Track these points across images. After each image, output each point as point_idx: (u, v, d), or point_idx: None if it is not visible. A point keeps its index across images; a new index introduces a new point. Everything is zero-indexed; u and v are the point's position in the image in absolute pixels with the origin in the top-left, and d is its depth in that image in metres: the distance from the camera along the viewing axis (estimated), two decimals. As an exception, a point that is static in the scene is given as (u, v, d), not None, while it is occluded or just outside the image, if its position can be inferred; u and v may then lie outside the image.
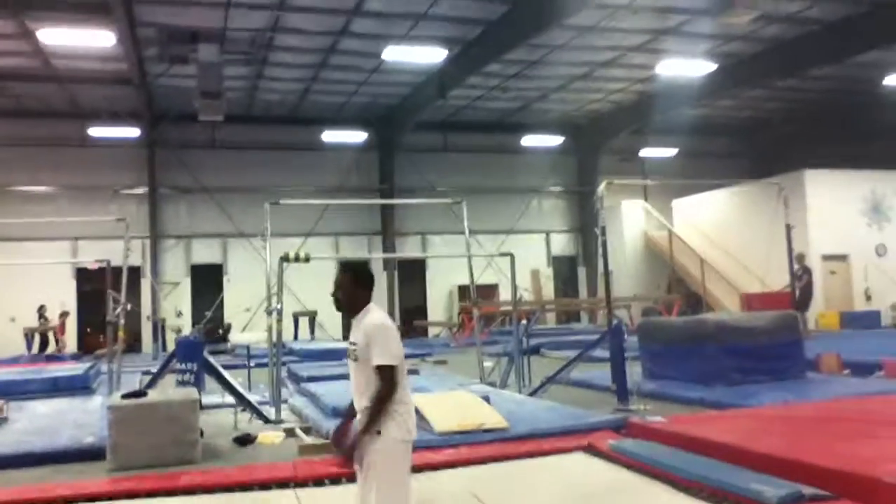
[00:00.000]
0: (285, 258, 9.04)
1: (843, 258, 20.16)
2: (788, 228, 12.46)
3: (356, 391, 3.73)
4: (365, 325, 3.72)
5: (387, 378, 3.59)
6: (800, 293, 15.98)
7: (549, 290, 26.27)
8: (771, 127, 26.19)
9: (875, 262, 20.56)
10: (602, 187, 11.14)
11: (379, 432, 3.55)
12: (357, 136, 23.54)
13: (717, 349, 9.11)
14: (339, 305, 3.86)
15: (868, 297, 20.38)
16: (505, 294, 21.56)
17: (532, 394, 9.35)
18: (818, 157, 21.77)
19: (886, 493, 4.05)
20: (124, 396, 6.72)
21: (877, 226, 20.97)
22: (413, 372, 11.78)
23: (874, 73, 19.69)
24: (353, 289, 3.85)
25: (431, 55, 17.45)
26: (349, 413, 3.83)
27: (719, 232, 23.33)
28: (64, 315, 20.22)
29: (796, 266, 16.25)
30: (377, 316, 3.76)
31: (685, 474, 4.99)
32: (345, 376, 9.26)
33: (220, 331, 19.20)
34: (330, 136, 23.31)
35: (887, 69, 19.39)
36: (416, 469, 5.67)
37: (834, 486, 4.32)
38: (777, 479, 4.55)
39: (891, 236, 20.92)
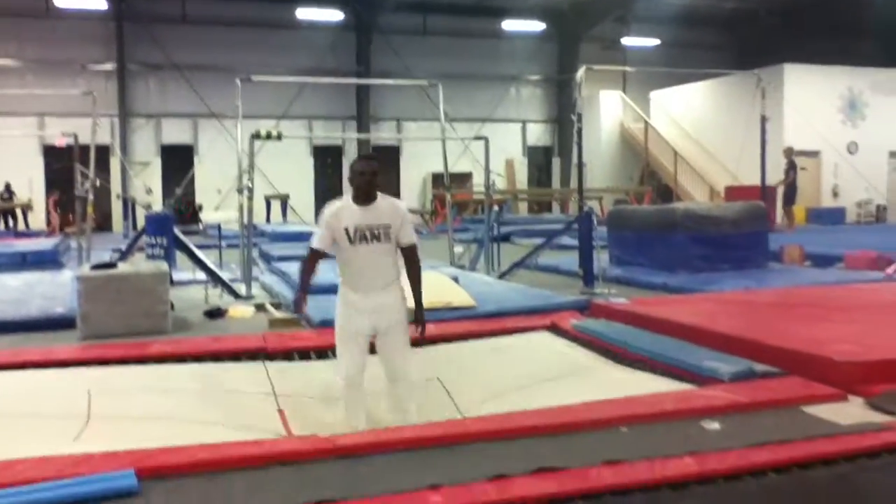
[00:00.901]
0: (257, 135, 8.91)
1: (814, 154, 20.28)
2: (763, 120, 12.48)
3: (374, 268, 4.19)
4: (394, 208, 4.21)
5: (417, 254, 4.32)
6: (786, 188, 16.14)
7: (522, 180, 26.29)
8: (756, 19, 25.74)
9: (846, 159, 20.73)
10: (581, 73, 11.00)
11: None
12: (334, 15, 22.85)
13: (684, 237, 9.27)
14: (369, 191, 4.16)
15: (835, 194, 20.67)
16: (479, 183, 21.54)
17: (500, 277, 9.50)
18: (801, 51, 21.53)
19: (834, 370, 4.22)
20: (94, 268, 6.73)
21: (851, 123, 21.04)
22: (384, 254, 11.85)
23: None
24: (376, 177, 4.21)
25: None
26: (306, 288, 4.48)
27: (696, 125, 23.29)
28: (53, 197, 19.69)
29: (784, 161, 16.36)
30: (397, 201, 4.32)
31: (643, 352, 5.16)
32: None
33: (192, 209, 19.10)
34: (305, 13, 22.58)
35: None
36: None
37: (786, 363, 4.49)
38: (731, 357, 4.71)
39: (863, 134, 21.02)
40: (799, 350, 4.56)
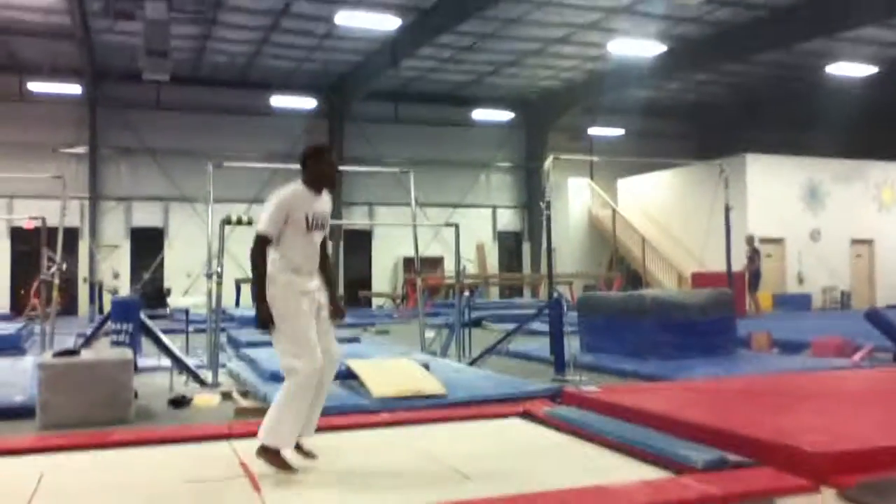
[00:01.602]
0: (227, 220, 8.91)
1: (779, 241, 20.73)
2: (727, 209, 12.76)
3: (316, 254, 4.52)
4: (329, 200, 4.64)
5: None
6: (751, 275, 16.46)
7: (493, 265, 26.47)
8: (716, 110, 26.67)
9: (809, 246, 21.20)
10: (549, 162, 11.23)
11: None
12: (307, 103, 23.26)
13: (653, 324, 9.31)
14: (332, 184, 4.60)
15: (801, 280, 21.05)
16: (450, 268, 21.63)
17: (471, 363, 9.44)
18: (761, 141, 22.32)
19: (806, 461, 4.20)
20: (56, 355, 6.59)
21: (812, 211, 21.63)
22: (354, 340, 11.77)
23: (818, 61, 20.18)
24: None
25: (385, 22, 17.30)
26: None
27: (662, 212, 23.77)
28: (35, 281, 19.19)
29: (747, 248, 16.72)
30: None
31: (616, 438, 5.12)
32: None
33: (160, 293, 18.88)
34: (279, 101, 22.97)
35: (830, 58, 19.88)
36: (354, 428, 5.76)
37: (758, 453, 4.46)
38: (704, 446, 4.68)
39: (825, 222, 21.61)
40: (770, 440, 4.54)
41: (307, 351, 4.30)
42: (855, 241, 22.13)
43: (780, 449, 4.40)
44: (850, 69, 20.14)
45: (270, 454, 4.35)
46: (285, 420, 4.31)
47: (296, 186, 4.45)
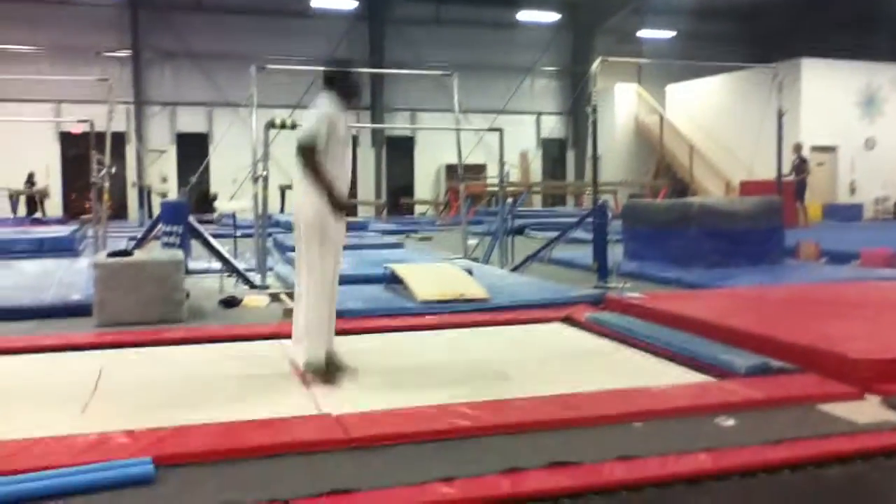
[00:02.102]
0: (271, 124, 8.91)
1: (831, 150, 20.13)
2: (780, 114, 12.35)
3: (347, 172, 4.55)
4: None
5: None
6: (798, 183, 16.07)
7: (537, 172, 26.24)
8: (771, 12, 25.54)
9: (863, 155, 20.56)
10: (596, 65, 10.93)
11: None
12: (347, 3, 22.81)
13: (699, 232, 9.21)
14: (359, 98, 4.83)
15: (853, 190, 20.52)
16: (493, 175, 21.51)
17: (514, 270, 9.48)
18: (818, 45, 21.37)
19: (849, 367, 4.19)
20: (110, 255, 6.77)
21: (869, 119, 20.87)
22: (397, 246, 11.88)
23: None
24: None
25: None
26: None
27: (711, 119, 23.15)
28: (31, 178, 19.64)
29: (794, 156, 16.27)
30: None
31: (658, 343, 5.15)
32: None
33: (207, 198, 19.15)
34: (319, 1, 22.55)
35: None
36: (399, 330, 5.88)
37: (801, 360, 4.46)
38: (747, 353, 4.69)
39: (881, 130, 20.85)
40: (814, 347, 4.53)
41: (325, 265, 4.46)
42: (912, 150, 21.40)
43: (825, 355, 4.39)
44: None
45: (319, 373, 4.46)
46: (317, 332, 4.45)
47: (330, 101, 4.47)
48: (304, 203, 4.46)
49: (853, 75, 20.75)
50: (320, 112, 4.40)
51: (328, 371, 4.47)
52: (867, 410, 3.78)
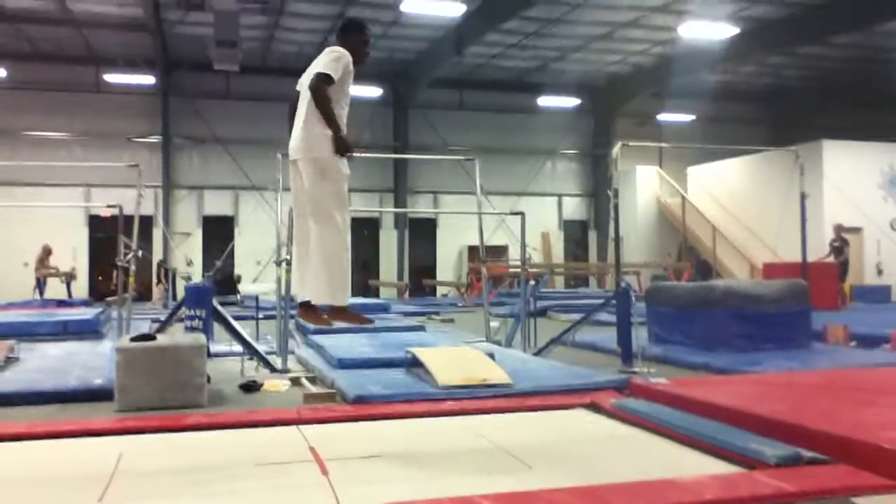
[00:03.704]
0: (296, 209, 9.03)
1: (856, 231, 20.02)
2: (803, 197, 12.35)
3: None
4: None
5: None
6: (841, 265, 15.99)
7: (559, 254, 26.27)
8: (791, 95, 25.86)
9: (888, 235, 20.41)
10: (616, 149, 11.03)
11: None
12: (372, 92, 23.39)
13: (725, 315, 9.09)
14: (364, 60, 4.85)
15: (879, 272, 20.29)
16: (515, 256, 21.56)
17: (537, 353, 9.38)
18: (838, 127, 21.57)
19: (884, 459, 4.05)
20: (133, 339, 6.79)
21: (892, 199, 20.80)
22: (419, 328, 11.84)
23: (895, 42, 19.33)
24: None
25: (450, 9, 17.30)
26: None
27: (733, 200, 23.19)
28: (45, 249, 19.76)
29: (834, 238, 16.25)
30: None
31: (686, 432, 5.02)
32: (352, 331, 9.33)
33: (231, 280, 19.32)
34: (344, 90, 23.16)
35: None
36: (419, 416, 5.79)
37: (833, 451, 4.32)
38: (777, 442, 4.57)
39: (905, 210, 20.76)
40: (846, 436, 4.40)
41: (345, 207, 4.54)
42: (937, 231, 21.21)
43: (858, 445, 4.25)
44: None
45: (342, 313, 4.61)
46: (337, 275, 4.50)
47: (343, 50, 4.63)
48: (311, 137, 4.48)
49: (875, 156, 20.80)
50: (338, 53, 4.53)
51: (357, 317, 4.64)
52: (905, 504, 3.65)
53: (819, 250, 16.49)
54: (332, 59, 4.53)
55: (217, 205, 23.52)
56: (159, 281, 20.14)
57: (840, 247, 16.26)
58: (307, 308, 4.77)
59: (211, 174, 23.41)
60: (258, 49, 21.43)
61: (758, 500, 3.67)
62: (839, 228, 16.49)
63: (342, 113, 4.61)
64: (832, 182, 19.68)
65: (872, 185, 20.64)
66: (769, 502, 3.65)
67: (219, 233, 22.68)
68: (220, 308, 8.50)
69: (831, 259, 16.17)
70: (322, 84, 4.46)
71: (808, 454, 4.34)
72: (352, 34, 4.77)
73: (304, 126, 4.53)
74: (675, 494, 3.77)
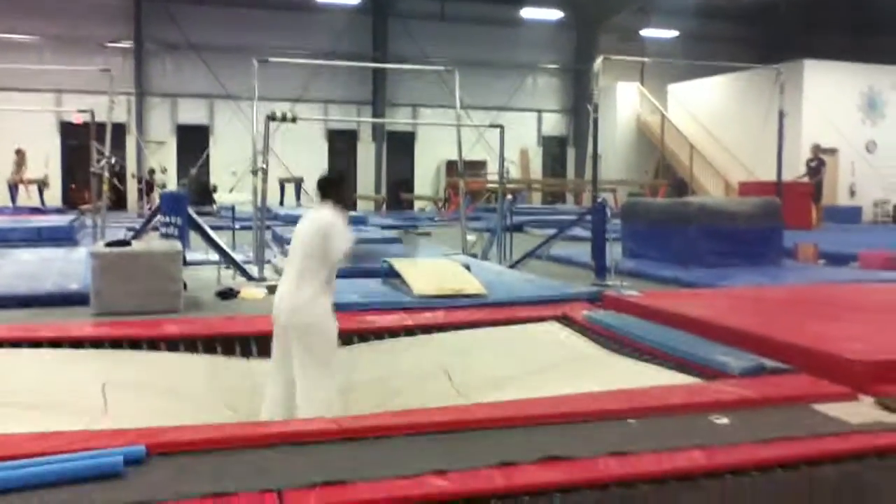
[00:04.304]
0: (272, 117, 8.92)
1: (832, 152, 20.12)
2: (781, 115, 12.35)
3: None
4: None
5: None
6: (816, 185, 16.09)
7: (537, 170, 26.21)
8: (777, 13, 25.50)
9: (863, 157, 20.55)
10: (598, 63, 10.92)
11: None
12: (352, -2, 22.76)
13: (697, 231, 9.23)
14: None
15: (852, 193, 20.50)
16: (494, 172, 21.51)
17: (512, 266, 9.48)
18: (821, 47, 21.38)
19: (845, 368, 4.19)
20: (108, 245, 6.77)
21: (870, 121, 20.84)
22: (395, 241, 11.88)
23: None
24: None
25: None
26: None
27: (713, 119, 23.13)
28: (20, 154, 19.40)
29: (811, 157, 16.30)
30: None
31: (654, 344, 5.15)
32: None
33: (207, 190, 19.12)
34: (324, -5, 22.53)
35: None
36: (392, 332, 5.87)
37: (797, 360, 4.46)
38: (742, 352, 4.70)
39: (883, 133, 20.83)
40: (809, 347, 4.54)
41: (333, 376, 4.38)
42: (912, 154, 21.37)
43: (819, 356, 4.40)
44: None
45: None
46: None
47: (334, 212, 4.40)
48: (303, 302, 4.26)
49: (855, 77, 20.72)
50: (340, 222, 4.34)
51: None
52: (861, 411, 3.79)
53: (796, 170, 16.60)
54: (341, 233, 4.34)
55: (191, 113, 23.07)
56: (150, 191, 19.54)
57: (816, 167, 16.35)
58: None
59: (185, 82, 22.87)
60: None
61: (721, 406, 3.80)
62: (816, 149, 16.54)
63: (334, 279, 4.51)
64: (812, 102, 19.65)
65: (852, 107, 20.63)
66: (732, 408, 3.77)
67: (193, 142, 22.30)
68: (195, 216, 8.46)
69: (807, 179, 16.27)
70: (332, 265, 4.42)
71: (771, 364, 4.47)
72: (337, 188, 4.52)
73: (297, 288, 4.31)
74: (641, 400, 3.89)
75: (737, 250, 9.24)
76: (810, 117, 19.48)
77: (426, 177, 25.09)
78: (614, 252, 9.02)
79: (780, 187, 12.23)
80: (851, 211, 19.37)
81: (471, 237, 11.26)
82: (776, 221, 9.82)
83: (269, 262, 9.15)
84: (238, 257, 8.69)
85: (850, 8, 23.05)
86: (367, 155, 24.50)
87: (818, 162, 16.31)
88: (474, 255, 10.28)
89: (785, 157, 13.02)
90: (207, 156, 19.71)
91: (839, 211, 19.13)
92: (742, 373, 4.38)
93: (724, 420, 3.62)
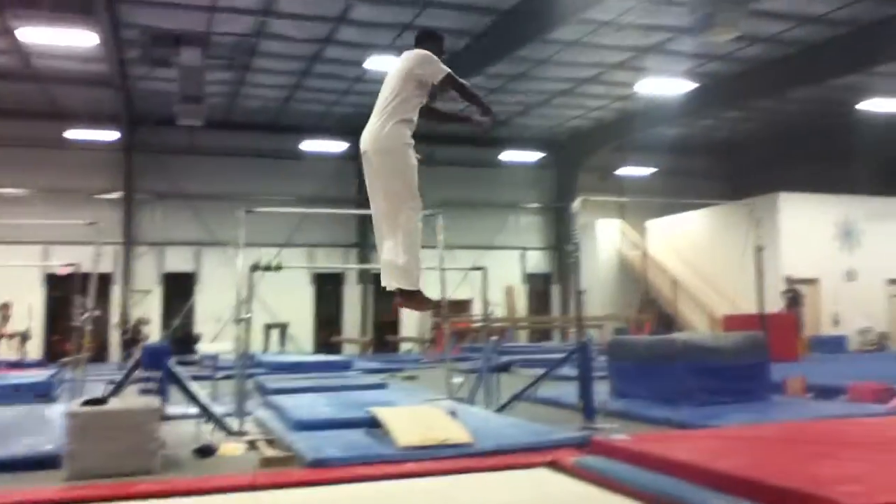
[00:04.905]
0: (256, 266, 8.97)
1: (813, 282, 20.37)
2: (759, 249, 12.57)
3: None
4: None
5: None
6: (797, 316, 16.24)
7: (522, 307, 26.29)
8: (748, 148, 26.46)
9: (844, 286, 20.79)
10: (578, 202, 11.17)
11: None
12: (338, 147, 23.47)
13: (685, 368, 9.15)
14: None
15: (836, 322, 20.59)
16: (479, 311, 21.53)
17: (499, 410, 9.32)
18: (795, 179, 22.02)
19: (841, 514, 4.06)
20: (85, 403, 6.62)
21: (847, 250, 21.23)
22: (381, 386, 11.73)
23: (852, 96, 19.86)
24: None
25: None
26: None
27: (693, 253, 23.51)
28: (5, 308, 19.37)
29: (785, 288, 16.53)
30: None
31: (646, 490, 5.00)
32: (312, 389, 9.19)
33: (190, 339, 18.98)
34: (310, 145, 23.26)
35: (862, 93, 19.61)
36: (379, 478, 5.69)
37: (791, 506, 4.33)
38: (736, 499, 4.56)
39: (860, 261, 21.18)
40: (804, 491, 4.41)
41: (416, 193, 4.81)
42: (891, 281, 21.63)
43: (815, 501, 4.27)
44: (884, 105, 19.88)
45: (418, 297, 4.74)
46: (415, 261, 4.69)
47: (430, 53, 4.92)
48: (388, 130, 4.74)
49: (830, 208, 21.29)
50: (434, 57, 4.85)
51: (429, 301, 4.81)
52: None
53: (778, 302, 16.72)
54: (435, 61, 4.86)
55: (178, 261, 23.22)
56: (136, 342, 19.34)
57: (794, 297, 16.54)
58: (403, 295, 4.79)
59: (173, 230, 23.16)
60: (223, 104, 21.46)
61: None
62: (789, 280, 16.80)
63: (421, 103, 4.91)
64: (789, 234, 20.08)
65: (828, 237, 21.08)
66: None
67: (180, 290, 22.33)
68: (175, 369, 8.34)
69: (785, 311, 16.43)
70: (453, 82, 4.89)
71: (766, 512, 4.33)
72: (428, 44, 5.04)
73: (384, 118, 4.80)
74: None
75: (725, 386, 9.14)
76: (788, 248, 19.86)
77: (412, 317, 25.03)
78: (602, 391, 8.91)
79: (764, 319, 12.28)
80: (836, 340, 19.39)
81: (457, 379, 11.12)
82: (762, 355, 9.79)
83: (250, 413, 8.95)
84: (218, 409, 8.50)
85: (821, 142, 23.92)
86: (353, 297, 24.59)
87: (794, 293, 16.51)
88: (461, 399, 10.11)
89: (766, 288, 13.14)
90: (192, 305, 19.66)
91: (824, 341, 19.14)
92: (736, 522, 4.24)
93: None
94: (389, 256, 4.72)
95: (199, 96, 16.76)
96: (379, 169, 4.80)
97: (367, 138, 4.85)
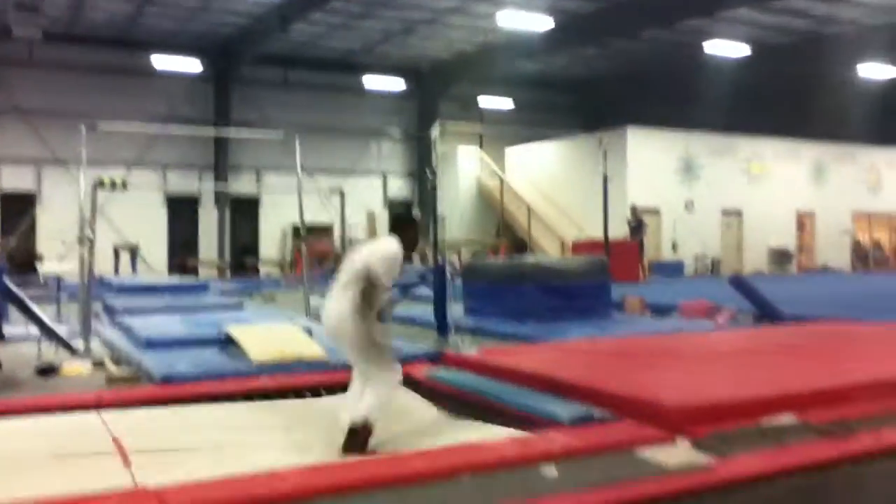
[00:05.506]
0: (100, 184, 8.57)
1: (655, 211, 21.58)
2: (605, 179, 13.21)
3: None
4: None
5: None
6: (639, 242, 17.15)
7: (384, 232, 26.39)
8: (603, 84, 27.31)
9: (683, 216, 22.21)
10: (435, 129, 11.31)
11: None
12: (192, 65, 22.36)
13: (532, 288, 9.62)
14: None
15: (675, 248, 22.03)
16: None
17: (356, 329, 9.45)
18: (644, 115, 23.00)
19: (662, 413, 4.45)
20: None
21: (688, 183, 22.61)
22: (237, 307, 11.60)
23: (697, 38, 20.75)
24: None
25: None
26: None
27: (548, 181, 24.31)
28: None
29: (630, 218, 17.38)
30: None
31: (492, 398, 5.29)
32: (162, 310, 8.98)
33: (31, 259, 17.93)
34: (161, 61, 22.00)
35: (708, 36, 20.55)
36: (227, 396, 5.69)
37: (621, 408, 4.70)
38: (573, 403, 4.90)
39: (698, 193, 22.67)
40: (632, 395, 4.80)
41: (387, 353, 4.83)
42: (725, 212, 23.33)
43: (641, 403, 4.65)
44: (726, 48, 20.91)
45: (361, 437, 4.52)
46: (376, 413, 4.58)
47: (398, 247, 4.72)
48: (344, 323, 4.60)
49: (673, 143, 22.51)
50: (395, 255, 4.66)
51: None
52: (678, 453, 4.02)
53: (624, 229, 17.64)
54: (392, 269, 4.70)
55: (17, 180, 21.73)
56: None
57: (636, 226, 17.50)
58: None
59: (9, 147, 21.57)
60: (65, 15, 19.89)
61: (550, 456, 3.93)
62: (634, 210, 17.75)
63: (385, 296, 4.72)
64: (635, 165, 21.11)
65: (671, 170, 22.36)
66: (560, 458, 3.91)
67: (19, 210, 20.90)
68: (12, 287, 7.92)
69: (629, 238, 17.37)
70: (369, 297, 4.61)
71: (599, 413, 4.69)
72: (405, 230, 4.89)
73: (340, 309, 4.64)
74: (474, 455, 3.97)
75: (570, 305, 9.69)
76: (634, 179, 20.91)
77: (272, 241, 24.70)
78: (456, 310, 9.22)
79: (608, 245, 12.98)
80: (675, 265, 20.77)
81: (316, 301, 11.15)
82: (604, 277, 10.40)
83: (97, 335, 8.66)
84: (62, 330, 8.18)
85: (669, 81, 25.02)
86: (209, 220, 23.86)
87: (637, 222, 17.48)
88: (318, 318, 10.16)
89: (612, 216, 13.86)
90: (32, 224, 18.51)
91: (664, 265, 20.46)
92: (572, 422, 4.57)
93: (553, 471, 3.75)
94: (350, 402, 4.71)
95: (34, 4, 15.48)
96: (342, 345, 4.81)
97: (326, 324, 4.84)
